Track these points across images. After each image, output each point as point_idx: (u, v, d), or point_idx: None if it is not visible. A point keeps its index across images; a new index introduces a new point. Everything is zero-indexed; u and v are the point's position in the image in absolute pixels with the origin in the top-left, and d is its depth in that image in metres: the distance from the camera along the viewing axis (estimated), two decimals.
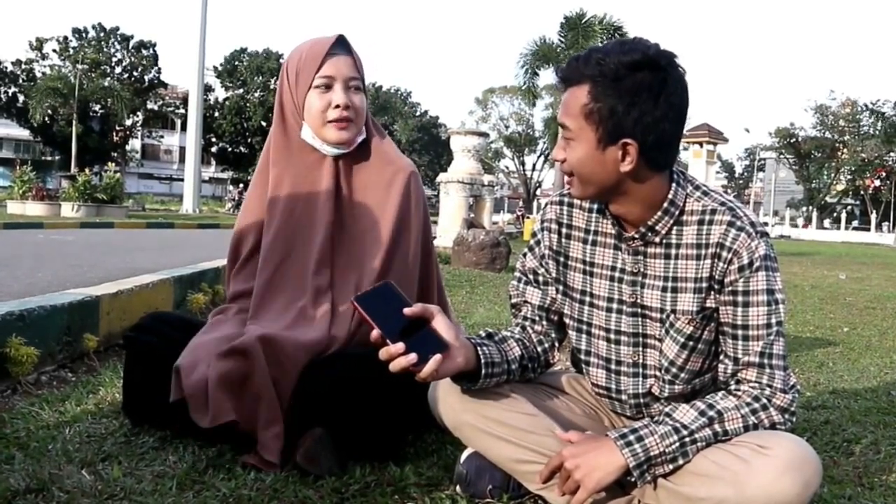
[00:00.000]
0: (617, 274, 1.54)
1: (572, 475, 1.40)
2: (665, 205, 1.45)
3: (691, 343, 1.50)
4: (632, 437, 1.40)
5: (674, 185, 1.46)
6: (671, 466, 1.40)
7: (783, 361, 1.45)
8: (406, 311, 1.40)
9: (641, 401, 1.59)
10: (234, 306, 1.98)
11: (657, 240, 1.48)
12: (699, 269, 1.46)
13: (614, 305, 1.55)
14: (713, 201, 1.47)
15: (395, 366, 1.37)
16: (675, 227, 1.47)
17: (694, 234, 1.46)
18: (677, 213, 1.47)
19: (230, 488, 1.57)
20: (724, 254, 1.43)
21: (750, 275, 1.42)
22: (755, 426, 1.41)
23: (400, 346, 1.36)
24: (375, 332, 1.38)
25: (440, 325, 1.43)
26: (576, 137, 1.40)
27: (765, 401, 1.42)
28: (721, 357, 1.50)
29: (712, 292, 1.46)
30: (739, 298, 1.43)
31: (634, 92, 1.35)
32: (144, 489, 1.56)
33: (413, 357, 1.36)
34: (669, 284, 1.49)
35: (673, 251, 1.48)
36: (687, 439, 1.39)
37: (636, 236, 1.49)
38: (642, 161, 1.39)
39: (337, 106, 1.87)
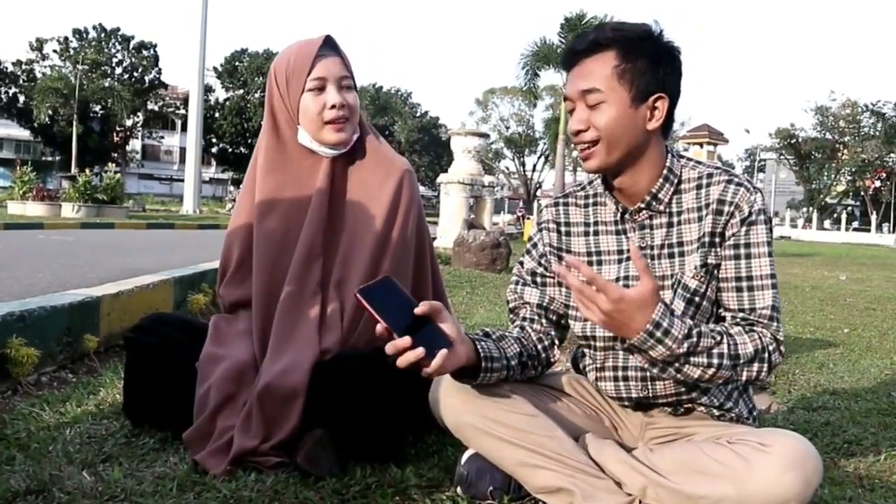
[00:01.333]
0: (625, 255, 1.58)
1: (607, 314, 1.35)
2: (665, 173, 1.53)
3: (696, 299, 1.52)
4: (661, 330, 1.36)
5: (669, 155, 1.55)
6: (678, 351, 1.38)
7: (780, 314, 1.52)
8: (416, 310, 1.41)
9: (648, 374, 1.58)
10: (239, 318, 1.95)
11: (661, 208, 1.54)
12: (701, 228, 1.52)
13: (624, 283, 1.56)
14: (708, 168, 1.56)
15: (403, 360, 1.37)
16: (675, 196, 1.54)
17: (693, 198, 1.54)
18: (676, 181, 1.54)
19: (231, 489, 1.57)
20: (726, 208, 1.50)
21: (751, 227, 1.49)
22: (753, 369, 1.45)
23: (407, 339, 1.36)
24: (381, 326, 1.38)
25: (443, 320, 1.44)
26: (607, 99, 1.46)
27: (767, 353, 1.45)
28: (722, 313, 1.53)
29: (713, 248, 1.51)
30: (742, 251, 1.50)
31: (659, 52, 1.48)
32: (145, 490, 1.56)
33: (421, 351, 1.36)
34: (675, 250, 1.54)
35: (675, 218, 1.54)
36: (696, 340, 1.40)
37: (642, 206, 1.54)
38: (665, 120, 1.49)
39: (333, 106, 1.86)
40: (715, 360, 1.41)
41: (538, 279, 1.68)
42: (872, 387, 3.07)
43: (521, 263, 1.72)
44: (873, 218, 50.04)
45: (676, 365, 1.41)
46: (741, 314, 1.49)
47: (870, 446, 2.18)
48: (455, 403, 1.56)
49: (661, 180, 1.53)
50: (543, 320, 1.67)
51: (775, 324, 1.49)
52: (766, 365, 1.46)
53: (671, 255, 1.54)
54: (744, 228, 1.49)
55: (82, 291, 3.01)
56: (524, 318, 1.68)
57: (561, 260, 1.65)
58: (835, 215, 56.72)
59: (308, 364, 1.76)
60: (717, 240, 1.51)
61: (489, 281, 7.00)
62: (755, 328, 1.48)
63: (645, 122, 1.48)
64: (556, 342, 1.69)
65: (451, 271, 7.58)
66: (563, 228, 1.66)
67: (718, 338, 1.43)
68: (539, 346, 1.66)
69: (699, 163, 1.58)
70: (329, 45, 1.90)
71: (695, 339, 1.40)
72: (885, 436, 2.29)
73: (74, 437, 1.87)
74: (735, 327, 1.48)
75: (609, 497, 1.49)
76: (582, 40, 1.50)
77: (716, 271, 1.52)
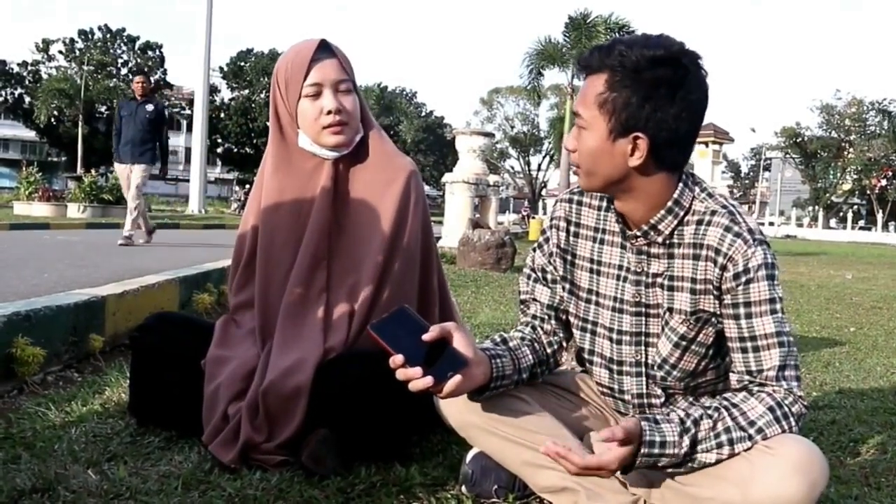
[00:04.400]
0: (623, 273, 1.54)
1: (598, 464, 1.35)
2: (669, 204, 1.44)
3: (684, 343, 1.49)
4: (657, 445, 1.34)
5: (681, 185, 1.45)
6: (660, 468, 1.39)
7: (797, 371, 1.42)
8: (425, 337, 1.38)
9: (644, 401, 1.58)
10: (245, 319, 1.96)
11: (660, 239, 1.47)
12: (695, 269, 1.45)
13: (618, 305, 1.55)
14: (715, 203, 1.46)
15: (414, 386, 1.36)
16: (678, 228, 1.46)
17: (692, 233, 1.45)
18: (682, 213, 1.45)
19: (235, 488, 1.58)
20: (720, 259, 1.41)
21: (747, 284, 1.39)
22: (776, 429, 1.36)
23: (417, 370, 1.35)
24: (399, 358, 1.36)
25: (459, 341, 1.43)
26: (588, 126, 1.40)
27: (786, 409, 1.37)
28: (731, 374, 1.45)
29: (710, 297, 1.44)
30: (741, 311, 1.40)
31: (652, 86, 1.34)
32: (150, 489, 1.56)
33: (429, 380, 1.35)
34: (667, 283, 1.49)
35: (675, 251, 1.47)
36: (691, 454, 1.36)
37: (639, 234, 1.48)
38: (651, 157, 1.38)
39: (329, 112, 1.85)
40: (724, 437, 1.35)
41: (548, 276, 1.66)
42: (878, 385, 3.07)
43: (535, 252, 1.68)
44: (879, 217, 49.95)
45: (688, 463, 1.37)
46: (747, 376, 1.41)
47: (876, 445, 2.17)
48: (459, 403, 1.56)
49: (663, 211, 1.44)
50: (553, 320, 1.66)
51: (786, 382, 1.39)
52: (791, 420, 1.37)
53: (663, 287, 1.49)
54: (741, 287, 1.39)
55: (87, 291, 3.01)
56: (535, 317, 1.67)
57: (565, 262, 1.62)
58: (840, 214, 56.65)
59: (312, 363, 1.76)
60: (712, 289, 1.43)
61: (494, 280, 7.00)
62: (764, 388, 1.40)
63: (625, 157, 1.38)
64: (564, 344, 1.69)
65: (455, 271, 7.59)
66: (572, 228, 1.61)
67: (716, 414, 1.36)
68: (549, 350, 1.66)
69: (711, 195, 1.47)
70: (325, 49, 1.88)
71: (693, 430, 1.35)
72: (892, 434, 2.29)
73: (80, 435, 1.88)
74: (740, 393, 1.41)
75: (614, 497, 1.48)
76: (589, 54, 1.41)
77: (712, 319, 1.45)
